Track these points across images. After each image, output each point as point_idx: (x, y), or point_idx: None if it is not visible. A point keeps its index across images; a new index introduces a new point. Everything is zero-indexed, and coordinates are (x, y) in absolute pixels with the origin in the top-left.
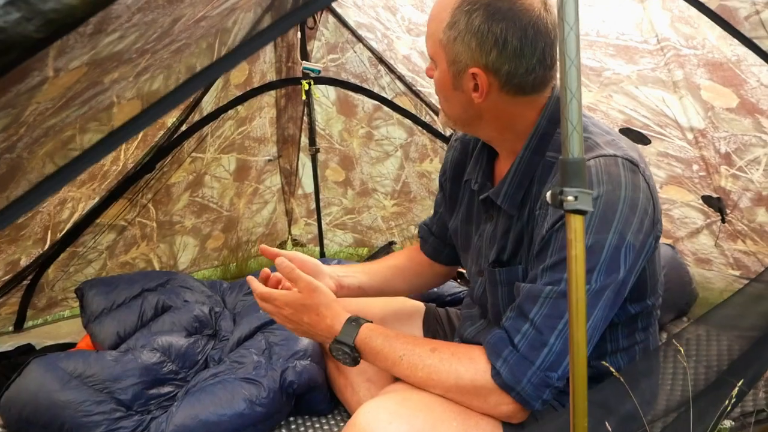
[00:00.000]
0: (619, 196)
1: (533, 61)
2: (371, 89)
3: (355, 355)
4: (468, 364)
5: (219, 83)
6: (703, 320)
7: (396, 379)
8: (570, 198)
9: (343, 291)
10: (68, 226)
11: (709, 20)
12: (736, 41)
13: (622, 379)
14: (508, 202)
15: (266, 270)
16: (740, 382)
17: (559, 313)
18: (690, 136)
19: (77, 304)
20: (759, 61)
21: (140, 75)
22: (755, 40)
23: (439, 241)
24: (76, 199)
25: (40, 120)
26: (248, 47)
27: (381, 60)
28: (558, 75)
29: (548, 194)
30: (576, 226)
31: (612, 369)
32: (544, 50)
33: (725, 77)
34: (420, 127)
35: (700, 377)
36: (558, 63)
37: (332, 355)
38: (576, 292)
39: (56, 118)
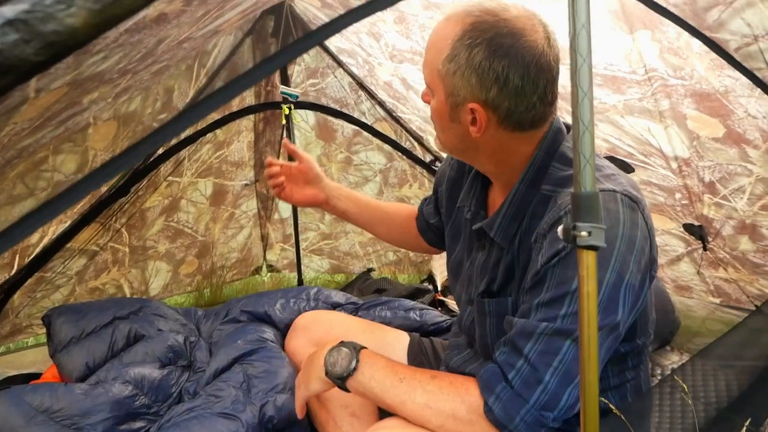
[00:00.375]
0: (617, 233)
1: (534, 98)
2: (351, 114)
3: (354, 360)
4: (464, 395)
5: None
6: (705, 354)
7: (382, 416)
8: (583, 233)
9: (328, 207)
10: (37, 250)
11: (698, 51)
12: (724, 72)
13: (623, 418)
14: (501, 234)
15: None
16: (747, 422)
17: (554, 350)
18: (674, 164)
19: (42, 331)
20: (747, 92)
21: (119, 96)
22: (755, 72)
23: (426, 225)
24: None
25: (15, 140)
26: (233, 88)
27: (362, 86)
28: (560, 108)
29: (560, 229)
30: (588, 262)
31: (611, 406)
32: (546, 87)
33: (712, 107)
34: (400, 153)
35: (701, 415)
36: (558, 98)
37: (326, 362)
38: (588, 329)
39: (31, 138)
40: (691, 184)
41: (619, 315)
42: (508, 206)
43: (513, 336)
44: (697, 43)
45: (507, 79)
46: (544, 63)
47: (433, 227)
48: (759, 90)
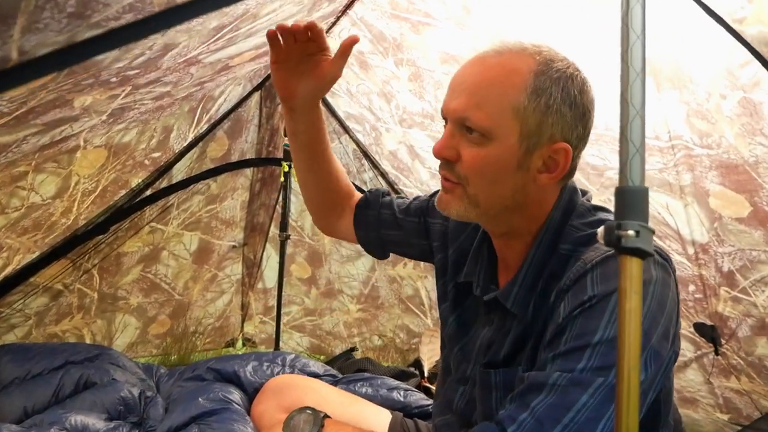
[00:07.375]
0: (648, 291)
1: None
2: (353, 182)
3: (317, 426)
4: None
5: (194, 153)
6: None
7: None
8: (630, 233)
9: (295, 110)
10: None
11: (729, 115)
12: (756, 139)
13: None
14: (519, 305)
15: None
16: None
17: (568, 404)
18: (691, 250)
19: None
20: None
21: (115, 118)
22: None
23: (379, 222)
24: (13, 249)
25: None
26: None
27: (366, 154)
28: None
29: (600, 230)
30: (633, 271)
31: None
32: None
33: (739, 182)
34: None
35: None
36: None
37: (285, 427)
38: (629, 353)
39: (11, 136)
40: (707, 275)
41: (642, 376)
42: (525, 274)
43: (522, 390)
44: (728, 106)
45: (588, 116)
46: None
47: (388, 233)
48: None
